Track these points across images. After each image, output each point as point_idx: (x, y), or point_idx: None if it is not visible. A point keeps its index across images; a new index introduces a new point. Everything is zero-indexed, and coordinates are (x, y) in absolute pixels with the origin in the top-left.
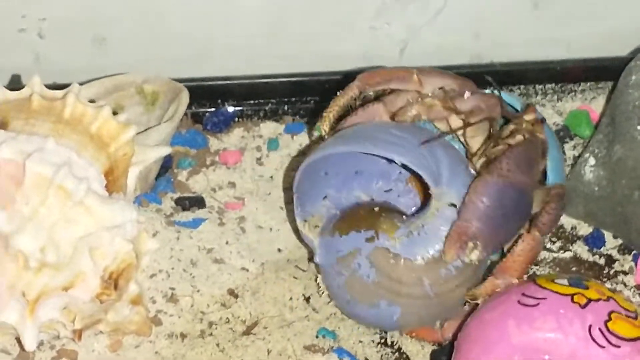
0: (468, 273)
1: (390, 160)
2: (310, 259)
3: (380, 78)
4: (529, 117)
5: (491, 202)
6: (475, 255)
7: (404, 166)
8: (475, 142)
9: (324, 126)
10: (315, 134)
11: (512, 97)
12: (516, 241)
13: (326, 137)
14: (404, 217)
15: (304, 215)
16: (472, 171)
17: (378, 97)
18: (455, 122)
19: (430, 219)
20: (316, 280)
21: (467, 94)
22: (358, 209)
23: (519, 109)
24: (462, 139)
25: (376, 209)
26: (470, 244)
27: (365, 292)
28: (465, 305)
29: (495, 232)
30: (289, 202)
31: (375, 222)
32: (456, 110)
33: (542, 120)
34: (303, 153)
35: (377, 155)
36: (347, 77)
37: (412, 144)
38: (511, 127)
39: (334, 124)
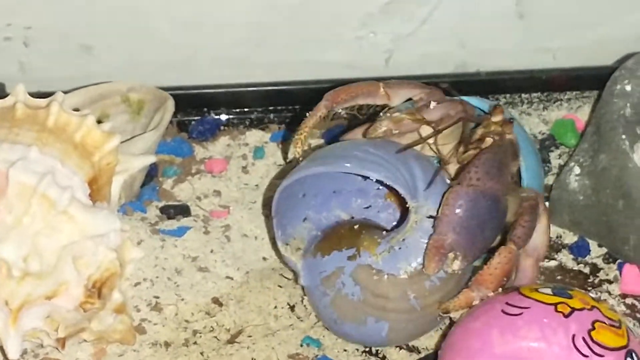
0: (452, 283)
1: (366, 177)
2: (295, 280)
3: (347, 95)
4: (496, 118)
5: (463, 213)
6: (457, 265)
7: (381, 182)
8: (447, 149)
9: (297, 149)
10: (290, 156)
11: (482, 101)
12: (493, 251)
13: (301, 159)
14: (384, 232)
15: (285, 239)
16: (447, 180)
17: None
18: (427, 132)
19: (410, 233)
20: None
21: (432, 104)
22: (339, 228)
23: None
24: (434, 148)
25: (356, 226)
26: (451, 255)
27: (351, 310)
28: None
29: (472, 241)
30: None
31: (356, 240)
32: (425, 121)
33: (511, 120)
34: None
35: (353, 173)
36: (333, 86)
37: (386, 159)
38: (480, 130)
39: (306, 146)
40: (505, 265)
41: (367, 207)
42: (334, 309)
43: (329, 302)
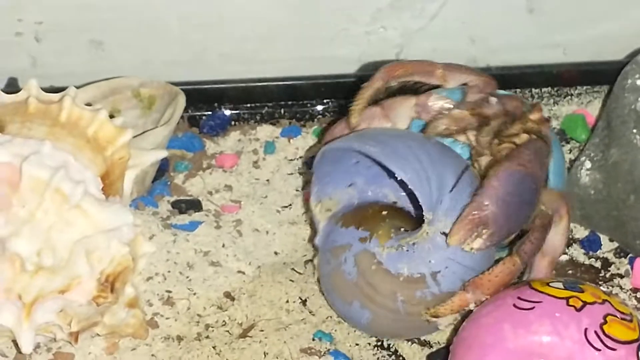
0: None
1: None
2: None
3: (404, 71)
4: (535, 116)
5: (510, 189)
6: (477, 244)
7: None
8: (483, 142)
9: (353, 119)
10: (352, 123)
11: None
12: (497, 261)
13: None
14: (402, 229)
15: (319, 196)
16: (474, 183)
17: (377, 102)
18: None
19: (420, 240)
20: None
21: (492, 100)
22: (370, 207)
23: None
24: (471, 138)
25: (385, 212)
26: (476, 232)
27: (343, 288)
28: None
29: (507, 221)
30: (285, 205)
31: (375, 225)
32: (485, 117)
33: (548, 120)
34: (300, 156)
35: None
36: (343, 81)
37: (421, 162)
38: (517, 125)
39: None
40: (507, 276)
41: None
42: (330, 281)
43: (328, 272)
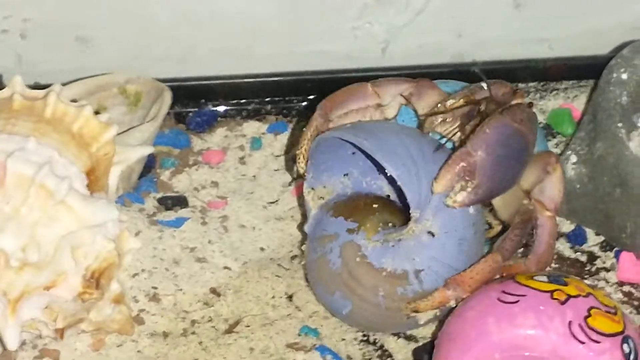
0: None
1: None
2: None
3: (338, 101)
4: (518, 101)
5: (501, 140)
6: (461, 197)
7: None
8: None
9: (300, 164)
10: (295, 172)
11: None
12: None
13: (306, 173)
14: (390, 224)
15: (313, 183)
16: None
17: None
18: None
19: (406, 237)
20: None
21: (484, 84)
22: (362, 198)
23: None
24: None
25: (376, 205)
26: (462, 183)
27: (326, 277)
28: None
29: (494, 174)
30: (271, 201)
31: (364, 217)
32: (477, 103)
33: (531, 105)
34: (287, 152)
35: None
36: (330, 77)
37: (414, 160)
38: (483, 103)
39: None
40: (488, 273)
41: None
42: (315, 268)
43: (314, 259)
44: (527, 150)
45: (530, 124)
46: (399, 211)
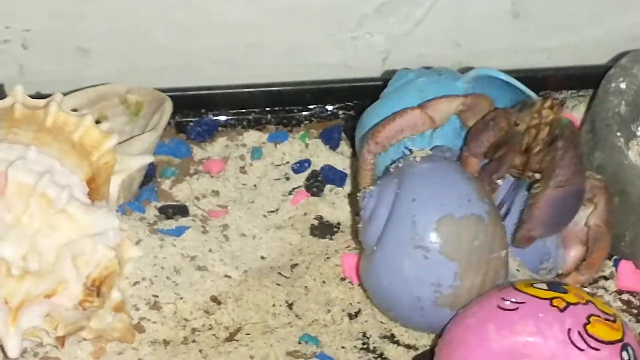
0: None
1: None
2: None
3: (389, 135)
4: (546, 104)
5: (552, 212)
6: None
7: None
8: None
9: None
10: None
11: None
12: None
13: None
14: None
15: None
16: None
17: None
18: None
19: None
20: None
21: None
22: None
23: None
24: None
25: None
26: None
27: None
28: None
29: (556, 228)
30: (271, 210)
31: None
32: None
33: (562, 103)
34: (286, 162)
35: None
36: (330, 87)
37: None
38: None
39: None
40: (606, 248)
41: None
42: None
43: None
44: (580, 197)
45: (575, 166)
46: None
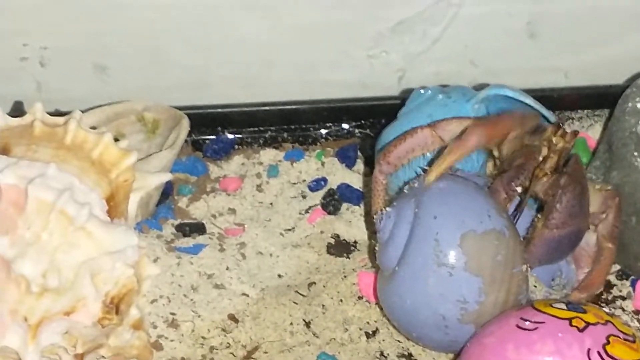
0: None
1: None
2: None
3: (400, 155)
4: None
5: (547, 251)
6: None
7: None
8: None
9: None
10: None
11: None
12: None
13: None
14: None
15: None
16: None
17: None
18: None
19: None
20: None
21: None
22: None
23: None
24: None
25: None
26: None
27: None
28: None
29: (554, 261)
30: (288, 228)
31: None
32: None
33: (575, 133)
34: (303, 180)
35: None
36: (346, 105)
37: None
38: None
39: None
40: (610, 264)
41: None
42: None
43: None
44: (578, 237)
45: (575, 208)
46: None
